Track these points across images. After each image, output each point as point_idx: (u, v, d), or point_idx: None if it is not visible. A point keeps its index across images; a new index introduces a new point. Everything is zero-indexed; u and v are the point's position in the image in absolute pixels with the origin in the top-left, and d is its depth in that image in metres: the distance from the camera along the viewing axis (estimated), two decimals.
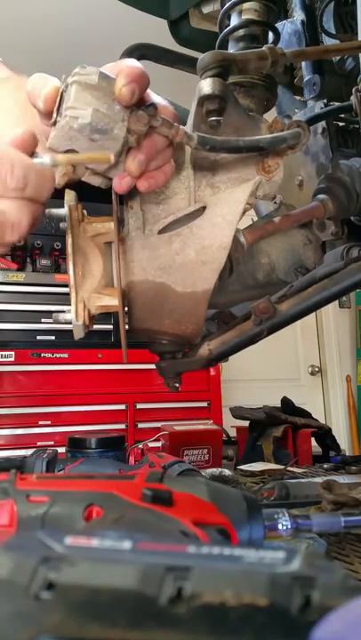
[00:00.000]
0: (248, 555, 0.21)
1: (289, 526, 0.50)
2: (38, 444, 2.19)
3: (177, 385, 0.70)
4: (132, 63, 0.51)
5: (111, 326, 2.35)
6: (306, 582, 0.19)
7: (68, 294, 0.59)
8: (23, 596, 0.19)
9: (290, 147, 0.60)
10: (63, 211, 0.58)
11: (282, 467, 1.19)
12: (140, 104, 0.51)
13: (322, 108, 0.84)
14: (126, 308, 0.62)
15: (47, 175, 0.49)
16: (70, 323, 0.58)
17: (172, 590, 0.19)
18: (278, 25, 0.92)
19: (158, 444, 1.25)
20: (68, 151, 0.51)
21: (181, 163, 0.61)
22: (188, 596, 0.19)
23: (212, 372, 2.55)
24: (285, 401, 1.50)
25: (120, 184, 0.53)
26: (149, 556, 0.21)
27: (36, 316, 2.36)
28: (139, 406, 2.43)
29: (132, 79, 0.49)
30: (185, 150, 0.61)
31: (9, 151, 0.48)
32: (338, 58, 0.92)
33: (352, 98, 0.73)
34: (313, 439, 1.43)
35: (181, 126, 0.53)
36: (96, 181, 0.55)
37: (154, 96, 0.55)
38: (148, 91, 0.54)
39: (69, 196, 0.59)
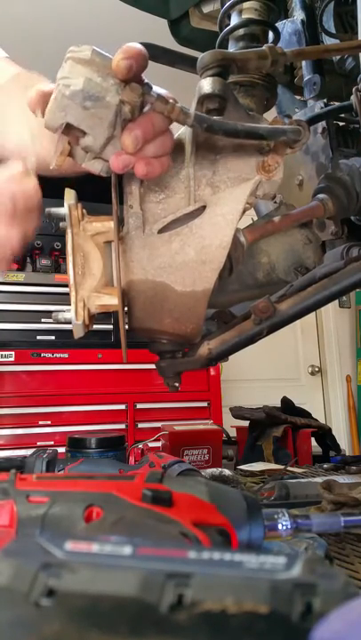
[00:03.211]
0: (249, 560, 0.21)
1: (289, 526, 0.50)
2: (38, 443, 2.18)
3: (177, 385, 0.69)
4: (134, 43, 0.52)
5: (111, 326, 2.34)
6: (307, 589, 0.19)
7: (68, 294, 0.59)
8: (23, 603, 0.19)
9: (289, 144, 0.59)
10: (63, 210, 0.58)
11: (282, 467, 1.19)
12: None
13: (322, 107, 0.84)
14: (126, 308, 0.62)
15: (34, 201, 0.50)
16: (70, 322, 0.58)
17: (172, 597, 0.19)
18: (278, 24, 0.92)
19: (158, 444, 1.25)
20: (61, 125, 0.51)
21: (181, 162, 0.61)
22: (188, 603, 0.19)
23: (212, 371, 2.54)
24: (285, 401, 1.50)
25: (117, 161, 0.52)
26: (150, 562, 0.21)
27: (36, 316, 2.36)
28: (139, 406, 2.42)
29: (130, 55, 0.49)
30: (185, 150, 0.61)
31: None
32: (338, 57, 0.92)
33: (352, 98, 0.73)
34: (313, 439, 1.43)
35: (178, 104, 0.52)
36: (96, 168, 0.55)
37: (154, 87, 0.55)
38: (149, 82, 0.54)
39: (69, 195, 0.59)
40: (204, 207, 0.61)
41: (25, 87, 0.64)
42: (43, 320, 2.35)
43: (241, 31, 0.76)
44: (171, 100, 0.51)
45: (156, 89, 0.54)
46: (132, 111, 0.50)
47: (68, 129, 0.51)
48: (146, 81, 0.52)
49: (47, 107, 0.51)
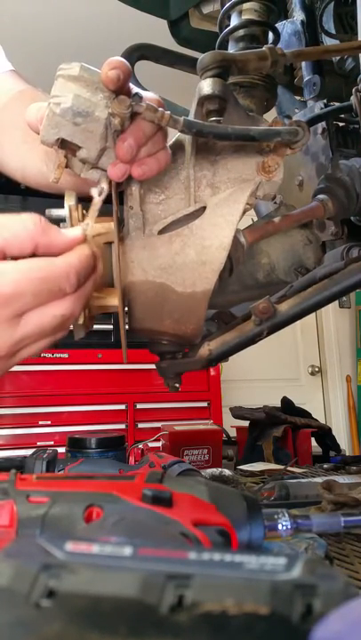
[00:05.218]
0: (249, 561, 0.21)
1: (289, 526, 0.50)
2: (38, 443, 2.18)
3: (177, 385, 0.69)
4: (116, 57, 0.53)
5: (111, 326, 2.34)
6: (307, 590, 0.19)
7: None
8: (23, 604, 0.19)
9: (286, 143, 0.59)
10: (63, 211, 0.58)
11: (282, 467, 1.19)
12: (125, 95, 0.52)
13: (322, 108, 0.84)
14: (126, 308, 0.62)
15: (90, 264, 0.51)
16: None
17: (172, 598, 0.19)
18: (278, 25, 0.92)
19: (158, 444, 1.25)
20: (57, 141, 0.52)
21: (181, 163, 0.61)
22: (188, 604, 0.19)
23: (212, 372, 2.54)
24: (285, 401, 1.50)
25: (114, 171, 0.54)
26: (150, 563, 0.21)
27: None
28: (139, 406, 2.42)
29: (115, 66, 0.51)
30: (185, 151, 0.61)
31: (52, 265, 0.49)
32: (338, 58, 0.92)
33: (352, 98, 0.73)
34: (313, 439, 1.43)
35: (166, 111, 0.53)
36: (94, 177, 0.56)
37: (142, 92, 0.56)
38: (134, 86, 0.55)
39: (70, 196, 0.59)
40: (204, 208, 0.61)
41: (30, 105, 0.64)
42: None
43: (241, 32, 0.76)
44: (160, 109, 0.52)
45: (146, 94, 0.55)
46: (121, 123, 0.51)
47: (64, 143, 0.53)
48: (135, 91, 0.53)
49: (41, 124, 0.52)
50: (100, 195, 0.55)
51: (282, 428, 1.37)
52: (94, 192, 0.55)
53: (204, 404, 2.53)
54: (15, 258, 0.48)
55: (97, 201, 0.55)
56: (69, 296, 0.49)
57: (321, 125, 0.82)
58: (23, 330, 0.49)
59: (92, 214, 0.55)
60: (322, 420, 1.80)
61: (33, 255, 0.49)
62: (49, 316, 0.49)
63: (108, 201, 0.57)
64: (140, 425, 2.40)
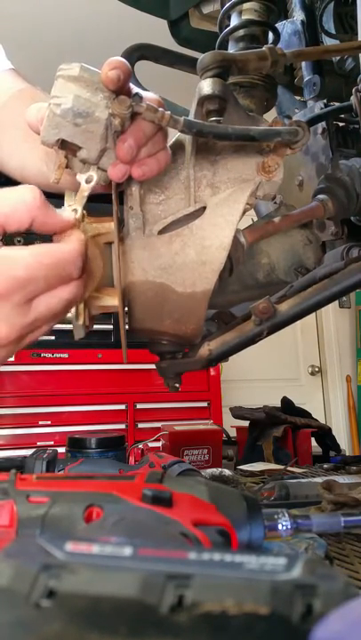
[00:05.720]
0: (249, 561, 0.21)
1: (289, 526, 0.50)
2: (38, 443, 2.18)
3: (177, 385, 0.69)
4: (116, 57, 0.53)
5: (111, 326, 2.34)
6: (307, 590, 0.19)
7: None
8: (23, 604, 0.19)
9: (286, 143, 0.59)
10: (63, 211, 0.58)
11: (282, 467, 1.19)
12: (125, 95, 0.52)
13: (322, 108, 0.84)
14: (126, 309, 0.62)
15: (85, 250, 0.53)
16: (70, 322, 0.58)
17: (172, 599, 0.19)
18: (278, 25, 0.92)
19: (158, 444, 1.25)
20: (57, 142, 0.52)
21: (181, 163, 0.61)
22: (188, 604, 0.19)
23: (212, 372, 2.54)
24: (285, 401, 1.50)
25: (114, 172, 0.54)
26: (150, 563, 0.21)
27: None
28: (139, 406, 2.42)
29: (115, 66, 0.51)
30: (185, 150, 0.61)
31: (60, 251, 0.51)
32: (338, 58, 0.92)
33: (352, 98, 0.73)
34: (313, 439, 1.43)
35: (167, 111, 0.53)
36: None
37: (143, 92, 0.56)
38: (134, 86, 0.55)
39: (69, 196, 0.59)
40: (204, 208, 0.61)
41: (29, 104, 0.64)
42: None
43: (241, 32, 0.76)
44: (160, 109, 0.52)
45: (146, 94, 0.55)
46: (121, 123, 0.51)
47: (64, 143, 0.53)
48: (135, 91, 0.53)
49: (42, 125, 0.52)
50: (88, 182, 0.55)
51: (282, 428, 1.37)
52: (81, 178, 0.55)
53: (204, 404, 2.53)
54: (13, 233, 0.50)
55: (85, 188, 0.55)
56: (75, 281, 0.51)
57: (321, 125, 0.82)
58: (34, 314, 0.50)
59: (80, 201, 0.55)
60: (322, 420, 1.80)
61: (29, 229, 0.50)
62: (57, 299, 0.50)
63: (108, 201, 0.57)
64: (140, 425, 2.40)
